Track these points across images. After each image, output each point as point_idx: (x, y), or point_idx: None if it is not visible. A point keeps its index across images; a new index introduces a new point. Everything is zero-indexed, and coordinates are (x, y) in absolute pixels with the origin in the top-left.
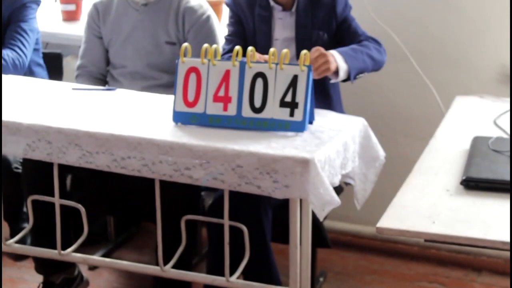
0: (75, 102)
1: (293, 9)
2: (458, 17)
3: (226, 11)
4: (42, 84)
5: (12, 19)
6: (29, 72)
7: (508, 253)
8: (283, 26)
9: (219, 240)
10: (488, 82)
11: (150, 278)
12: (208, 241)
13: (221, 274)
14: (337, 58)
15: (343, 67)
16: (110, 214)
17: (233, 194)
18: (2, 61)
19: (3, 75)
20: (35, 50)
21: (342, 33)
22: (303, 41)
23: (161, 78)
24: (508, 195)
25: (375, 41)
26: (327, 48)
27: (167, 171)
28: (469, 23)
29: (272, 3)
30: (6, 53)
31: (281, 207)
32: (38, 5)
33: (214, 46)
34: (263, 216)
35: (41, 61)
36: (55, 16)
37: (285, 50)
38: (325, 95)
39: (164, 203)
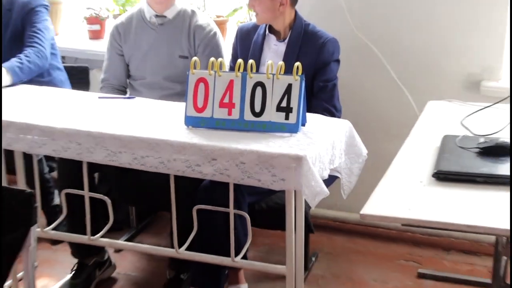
0: (101, 109)
1: (285, 41)
2: (430, 32)
3: (230, 29)
4: (72, 94)
5: (26, 23)
6: (48, 75)
7: (473, 235)
8: (276, 53)
9: (209, 224)
10: (456, 89)
11: (166, 259)
12: (197, 225)
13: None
14: None
15: None
16: (132, 205)
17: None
18: (26, 58)
19: (33, 85)
20: (53, 54)
21: (315, 77)
22: (288, 67)
23: (175, 88)
24: (473, 185)
25: (328, 112)
26: (307, 81)
27: (180, 167)
28: (439, 37)
29: (267, 33)
30: (28, 50)
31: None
32: (47, 9)
33: (220, 59)
34: (242, 201)
35: (60, 65)
36: (82, 35)
37: (280, 63)
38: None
39: (178, 195)
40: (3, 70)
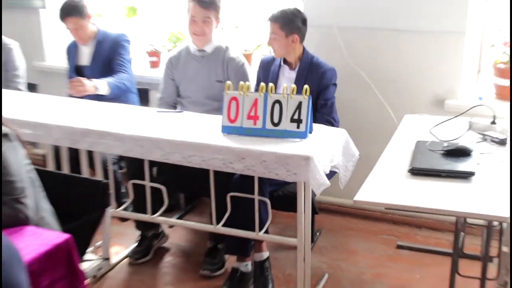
0: (158, 120)
1: (296, 69)
2: (406, 62)
3: (255, 60)
4: (137, 109)
5: (115, 54)
6: (125, 96)
7: (438, 216)
8: (288, 79)
9: (241, 206)
10: (426, 105)
11: (207, 232)
12: (230, 207)
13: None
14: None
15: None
16: (181, 192)
17: (246, 177)
18: (120, 79)
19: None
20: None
21: (318, 97)
22: (298, 89)
23: (213, 105)
24: (439, 178)
25: (329, 123)
26: (313, 99)
27: (218, 164)
28: (414, 66)
29: (282, 63)
30: (120, 75)
31: (287, 188)
32: (129, 43)
33: (247, 83)
34: (264, 189)
35: (134, 89)
36: (145, 64)
37: (293, 86)
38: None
39: (216, 185)
40: (105, 81)
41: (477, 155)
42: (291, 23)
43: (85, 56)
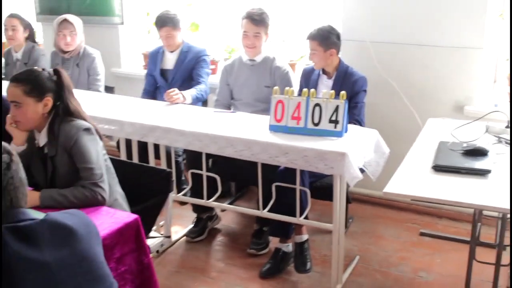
0: (215, 119)
1: (332, 78)
2: (431, 71)
3: (298, 68)
4: (197, 109)
5: (197, 65)
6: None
7: (457, 208)
8: (326, 86)
9: (284, 194)
10: (448, 110)
11: (254, 216)
12: (275, 195)
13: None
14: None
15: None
16: (232, 181)
17: (289, 169)
18: (201, 90)
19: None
20: None
21: (350, 101)
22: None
23: (261, 106)
24: (458, 175)
25: (357, 122)
26: (349, 104)
27: (265, 158)
28: (438, 76)
29: (321, 73)
30: (201, 86)
31: (325, 179)
32: (209, 58)
33: (292, 88)
34: (305, 181)
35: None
36: None
37: (332, 91)
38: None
39: (263, 175)
40: (190, 94)
41: (493, 155)
42: (327, 40)
43: (170, 62)
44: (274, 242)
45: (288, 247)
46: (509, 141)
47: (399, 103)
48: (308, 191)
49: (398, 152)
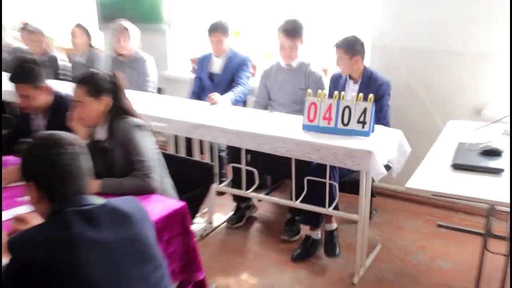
0: (254, 118)
1: (359, 83)
2: (452, 77)
3: (330, 73)
4: (238, 109)
5: (240, 69)
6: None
7: (473, 203)
8: (353, 90)
9: (315, 187)
10: (467, 113)
11: (287, 207)
12: (307, 188)
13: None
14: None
15: None
16: (268, 174)
17: (321, 165)
18: (239, 92)
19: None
20: None
21: (376, 105)
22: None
23: (296, 107)
24: (475, 173)
25: (383, 125)
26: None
27: (299, 154)
28: (458, 81)
29: (348, 78)
30: (240, 87)
31: (352, 175)
32: (251, 64)
33: (324, 91)
34: (334, 175)
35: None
36: None
37: (361, 94)
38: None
39: (296, 170)
40: (229, 98)
41: (507, 155)
42: (352, 48)
43: (217, 66)
44: (304, 230)
45: (317, 234)
46: None
47: (421, 106)
48: (337, 184)
49: (419, 151)
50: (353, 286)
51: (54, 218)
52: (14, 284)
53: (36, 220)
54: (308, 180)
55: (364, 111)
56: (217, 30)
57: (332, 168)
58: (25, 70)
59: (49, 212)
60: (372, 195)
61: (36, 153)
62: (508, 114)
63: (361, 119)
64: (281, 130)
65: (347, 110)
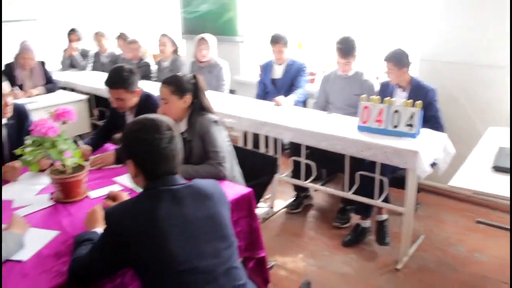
0: (313, 118)
1: (407, 90)
2: (491, 86)
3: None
4: (300, 109)
5: (298, 74)
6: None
7: (508, 202)
8: (400, 97)
9: (366, 181)
10: (505, 120)
11: (339, 197)
12: (359, 182)
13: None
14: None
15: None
16: (324, 168)
17: (372, 162)
18: (300, 93)
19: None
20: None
21: (427, 112)
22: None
23: (350, 110)
24: None
25: (434, 124)
26: (427, 114)
27: (353, 151)
28: (497, 89)
29: (396, 87)
30: (299, 91)
31: (400, 172)
32: (307, 69)
33: (377, 97)
34: (385, 171)
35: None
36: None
37: (410, 101)
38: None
39: (350, 165)
40: (292, 99)
41: None
42: (400, 61)
43: (278, 72)
44: (355, 218)
45: (366, 223)
46: None
47: (463, 113)
48: (386, 180)
49: (460, 154)
50: (397, 272)
51: (146, 193)
52: (107, 249)
53: (126, 197)
54: (360, 175)
55: (412, 115)
56: (278, 41)
57: (384, 165)
58: (121, 78)
59: (144, 187)
60: (418, 190)
61: (137, 136)
62: None
63: (409, 123)
64: (337, 129)
65: (396, 114)
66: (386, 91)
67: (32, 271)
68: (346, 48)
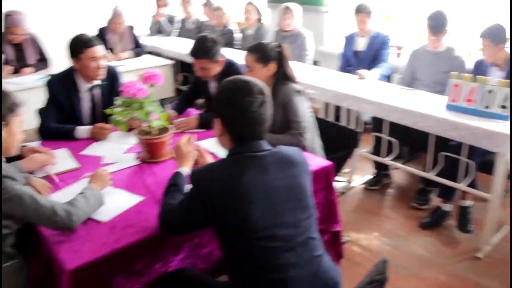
0: (398, 94)
1: (505, 70)
2: None
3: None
4: (383, 84)
5: (382, 47)
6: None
7: None
8: (495, 76)
9: (451, 163)
10: None
11: (419, 177)
12: (444, 164)
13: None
14: None
15: None
16: (406, 146)
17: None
18: (384, 70)
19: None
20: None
21: None
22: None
23: (437, 88)
24: None
25: None
26: None
27: (438, 130)
28: None
29: (489, 65)
30: (384, 65)
31: (489, 156)
32: (390, 41)
33: (469, 75)
34: (473, 154)
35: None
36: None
37: (507, 80)
38: None
39: (434, 144)
40: (377, 73)
41: None
42: (497, 37)
43: (361, 44)
44: (435, 201)
45: (447, 207)
46: None
47: None
48: (473, 163)
49: None
50: (478, 260)
51: (232, 158)
52: (193, 208)
53: (210, 158)
54: (445, 156)
55: (506, 96)
56: (361, 11)
57: (472, 147)
58: (205, 48)
59: (230, 149)
60: (508, 177)
61: (228, 96)
62: None
63: (503, 104)
64: (423, 106)
65: (489, 94)
66: (479, 69)
67: (119, 224)
68: (436, 25)
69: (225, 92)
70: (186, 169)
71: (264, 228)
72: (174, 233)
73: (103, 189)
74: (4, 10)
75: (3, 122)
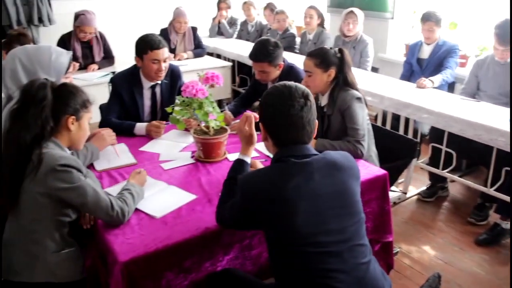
0: (460, 104)
1: None
2: None
3: None
4: (445, 94)
5: (449, 55)
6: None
7: None
8: None
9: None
10: None
11: (477, 192)
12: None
13: None
14: None
15: None
16: (465, 158)
17: None
18: (445, 77)
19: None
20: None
21: None
22: None
23: (503, 100)
24: None
25: None
26: None
27: (502, 144)
28: None
29: None
30: (447, 71)
31: None
32: (459, 51)
33: None
34: None
35: (451, 81)
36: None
37: None
38: None
39: (496, 158)
40: (438, 79)
41: None
42: None
43: (426, 52)
44: (494, 217)
45: (507, 225)
46: None
47: None
48: None
49: None
50: None
51: (278, 166)
52: (242, 212)
53: (259, 164)
54: (507, 171)
55: None
56: (429, 19)
57: None
58: (266, 51)
59: (274, 154)
60: None
61: (269, 99)
62: None
63: None
64: (487, 118)
65: None
66: None
67: (171, 221)
68: (504, 34)
69: (268, 96)
70: (248, 158)
71: (308, 235)
72: (226, 228)
73: (142, 186)
74: (74, 10)
75: (74, 117)
